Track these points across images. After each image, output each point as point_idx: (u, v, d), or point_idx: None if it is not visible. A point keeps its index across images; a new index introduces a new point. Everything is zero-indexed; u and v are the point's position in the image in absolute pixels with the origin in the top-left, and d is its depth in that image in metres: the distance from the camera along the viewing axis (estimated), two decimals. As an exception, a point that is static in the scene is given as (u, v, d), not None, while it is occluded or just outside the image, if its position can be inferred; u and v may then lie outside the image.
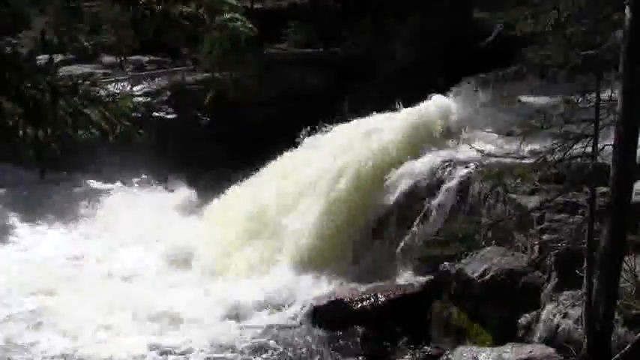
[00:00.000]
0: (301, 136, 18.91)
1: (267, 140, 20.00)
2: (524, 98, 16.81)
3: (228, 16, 4.72)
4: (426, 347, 12.53)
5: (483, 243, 13.17)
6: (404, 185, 15.55)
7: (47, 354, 12.87)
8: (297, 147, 18.63)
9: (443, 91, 18.22)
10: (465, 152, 15.66)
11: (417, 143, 16.44)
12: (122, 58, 28.66)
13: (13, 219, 20.32)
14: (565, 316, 10.26)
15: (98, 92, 4.76)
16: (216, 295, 15.09)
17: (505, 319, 11.32)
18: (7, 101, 4.62)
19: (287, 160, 18.61)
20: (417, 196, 15.32)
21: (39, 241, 19.10)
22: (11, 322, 14.12)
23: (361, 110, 18.09)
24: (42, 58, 4.82)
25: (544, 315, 10.67)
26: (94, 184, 22.77)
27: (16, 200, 21.19)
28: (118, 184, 22.69)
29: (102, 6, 28.06)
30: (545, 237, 11.62)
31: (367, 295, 13.70)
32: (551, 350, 9.98)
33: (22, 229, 19.84)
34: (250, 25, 5.19)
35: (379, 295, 13.62)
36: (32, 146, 4.74)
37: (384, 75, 22.51)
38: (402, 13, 23.98)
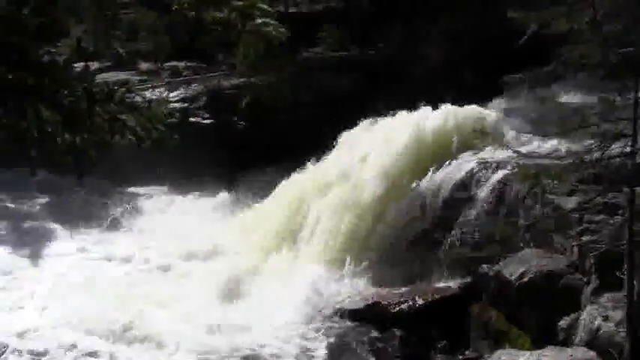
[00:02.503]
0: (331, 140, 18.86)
1: (302, 143, 20.02)
2: (560, 98, 16.68)
3: (260, 20, 4.72)
4: (464, 351, 12.50)
5: (522, 245, 13.09)
6: (441, 187, 15.47)
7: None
8: (330, 150, 18.58)
9: (476, 91, 18.12)
10: (501, 153, 15.56)
11: (453, 145, 16.35)
12: (159, 65, 28.84)
13: (54, 225, 20.53)
14: (606, 318, 10.15)
15: (133, 98, 4.79)
16: (243, 300, 15.21)
17: (544, 322, 11.23)
18: (45, 109, 4.66)
19: (322, 162, 18.61)
20: (454, 198, 15.24)
21: (82, 247, 19.22)
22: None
23: (394, 112, 18.01)
24: (78, 66, 4.89)
25: (584, 318, 10.56)
26: (132, 189, 22.96)
27: (56, 207, 21.44)
28: (156, 189, 22.86)
29: (138, 13, 28.33)
30: (584, 238, 11.52)
31: (405, 298, 13.67)
32: (592, 354, 9.88)
33: (63, 236, 20.03)
34: (282, 30, 5.20)
35: (417, 298, 13.58)
36: (70, 152, 4.78)
37: (416, 76, 22.44)
38: (434, 14, 23.91)
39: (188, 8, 4.55)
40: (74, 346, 13.16)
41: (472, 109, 17.28)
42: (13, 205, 21.96)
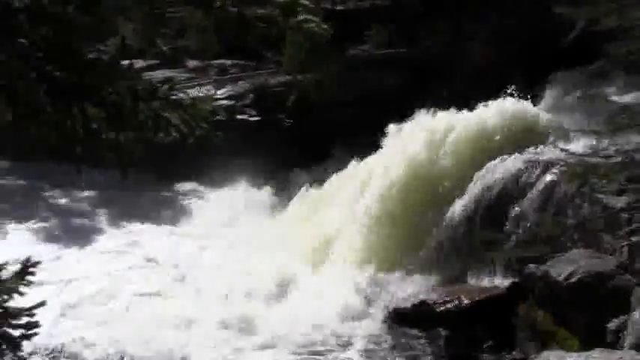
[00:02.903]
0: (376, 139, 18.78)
1: (348, 141, 20.03)
2: (609, 96, 16.48)
3: (302, 17, 4.71)
4: (510, 351, 12.38)
5: (570, 245, 12.95)
6: (489, 185, 15.36)
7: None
8: (377, 148, 18.53)
9: (523, 90, 17.93)
10: (549, 152, 15.41)
11: (502, 143, 16.21)
12: (207, 63, 28.99)
13: (100, 221, 20.84)
14: (656, 320, 10.00)
15: (177, 96, 4.82)
16: (294, 296, 15.25)
17: (593, 324, 11.07)
18: (90, 106, 4.71)
19: (369, 160, 18.59)
20: (501, 197, 15.10)
21: (128, 243, 19.43)
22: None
23: (440, 110, 17.91)
24: (125, 64, 4.93)
25: (634, 320, 10.40)
26: (177, 186, 23.17)
27: (101, 202, 21.77)
28: (201, 186, 23.03)
29: (186, 11, 28.49)
30: (634, 238, 11.37)
31: (451, 298, 13.57)
32: (641, 357, 9.72)
33: (110, 231, 20.31)
34: (325, 27, 5.16)
35: (463, 298, 13.47)
36: (114, 149, 4.83)
37: (462, 75, 22.28)
38: (481, 11, 23.70)
39: (231, 4, 4.55)
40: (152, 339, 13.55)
41: (521, 107, 17.12)
42: (61, 201, 22.35)
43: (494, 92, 17.59)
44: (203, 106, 4.96)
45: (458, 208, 15.42)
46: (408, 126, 18.02)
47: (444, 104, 17.93)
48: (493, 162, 15.58)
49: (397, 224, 16.00)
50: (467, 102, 17.53)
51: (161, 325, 14.01)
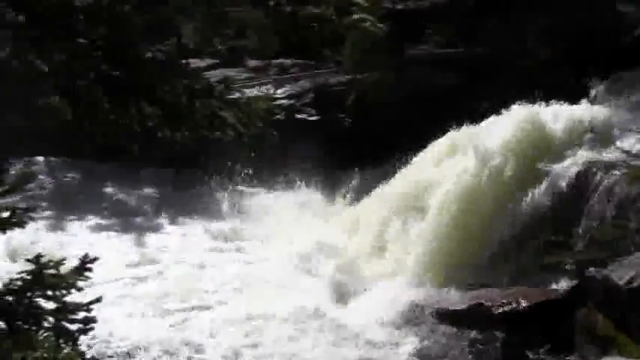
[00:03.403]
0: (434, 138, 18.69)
1: (406, 141, 19.94)
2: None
3: (356, 16, 4.71)
4: (568, 355, 12.21)
5: (632, 248, 12.72)
6: (548, 187, 15.17)
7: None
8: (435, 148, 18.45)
9: (579, 90, 17.67)
10: (610, 153, 15.18)
11: (558, 144, 16.00)
12: (266, 62, 29.12)
13: (158, 218, 21.10)
14: None
15: (233, 94, 4.84)
16: (353, 302, 15.23)
17: (654, 330, 10.89)
18: (147, 105, 4.77)
19: (424, 159, 18.50)
20: (562, 200, 14.93)
21: (185, 240, 19.63)
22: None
23: (493, 109, 17.75)
24: (181, 63, 4.98)
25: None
26: (235, 185, 23.29)
27: (158, 200, 22.04)
28: (258, 185, 23.12)
29: (246, 11, 28.66)
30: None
31: (509, 300, 13.41)
32: None
33: (167, 228, 20.56)
34: (380, 25, 5.11)
35: (521, 300, 13.31)
36: (171, 148, 4.89)
37: (516, 74, 21.98)
38: (535, 8, 23.37)
39: (285, 4, 4.57)
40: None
41: (579, 108, 16.88)
42: (118, 198, 22.67)
43: (548, 91, 17.36)
44: (259, 105, 4.98)
45: (520, 210, 15.26)
46: (465, 130, 17.96)
47: (498, 103, 17.76)
48: (554, 165, 15.39)
49: (458, 225, 15.87)
50: (520, 101, 17.34)
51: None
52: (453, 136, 18.21)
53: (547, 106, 16.93)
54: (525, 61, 22.63)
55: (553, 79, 19.21)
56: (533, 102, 17.11)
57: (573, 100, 17.29)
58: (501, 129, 16.82)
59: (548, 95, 17.27)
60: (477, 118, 18.23)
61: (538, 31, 23.16)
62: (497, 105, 17.71)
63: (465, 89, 22.56)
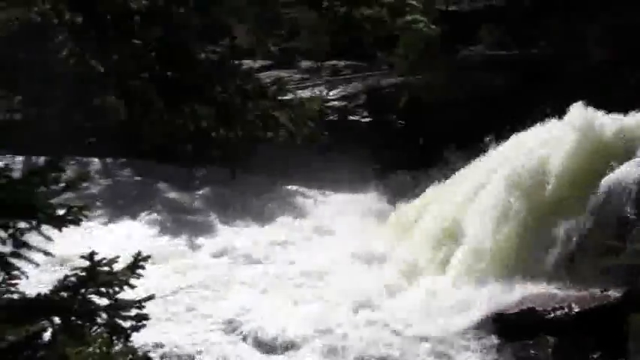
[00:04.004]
0: (487, 141, 18.52)
1: (459, 142, 19.83)
2: None
3: (410, 17, 4.70)
4: (622, 362, 12.04)
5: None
6: (605, 192, 14.95)
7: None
8: (486, 151, 18.31)
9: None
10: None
11: (617, 148, 15.76)
12: (319, 63, 29.18)
13: (211, 218, 21.27)
14: None
15: (286, 95, 4.87)
16: (400, 298, 15.21)
17: None
18: (200, 105, 4.82)
19: (481, 161, 18.38)
20: (619, 204, 14.69)
21: (237, 241, 19.74)
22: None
23: (551, 112, 17.51)
24: (235, 64, 5.00)
25: None
26: (287, 186, 23.37)
27: (212, 200, 22.20)
28: (310, 186, 23.18)
29: (299, 12, 28.68)
30: None
31: (560, 305, 13.27)
32: None
33: (219, 228, 20.72)
34: (434, 27, 5.11)
35: (573, 305, 13.16)
36: (224, 148, 4.93)
37: (574, 76, 21.64)
38: (594, 9, 23.01)
39: (339, 5, 4.58)
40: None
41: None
42: (173, 198, 22.89)
43: (608, 94, 17.09)
44: (311, 106, 4.99)
45: (576, 215, 15.06)
46: (526, 133, 17.78)
47: (554, 106, 17.53)
48: (614, 170, 15.17)
49: (514, 228, 15.73)
50: (579, 104, 17.09)
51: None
52: (515, 138, 18.02)
53: (607, 109, 16.66)
54: (584, 62, 22.28)
55: (613, 81, 18.89)
56: (593, 105, 16.84)
57: (633, 102, 16.97)
58: (561, 133, 16.61)
59: (607, 97, 17.00)
60: (534, 121, 18.01)
61: (598, 32, 22.81)
62: (555, 108, 17.47)
63: (520, 92, 22.31)
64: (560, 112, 17.22)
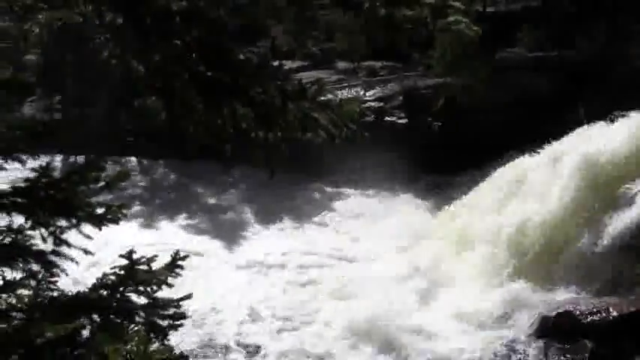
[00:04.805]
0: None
1: (497, 146, 19.66)
2: None
3: (452, 18, 4.66)
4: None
5: None
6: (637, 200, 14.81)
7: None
8: (526, 154, 18.16)
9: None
10: None
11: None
12: (356, 64, 29.17)
13: (247, 218, 21.35)
14: None
15: (325, 96, 4.86)
16: (440, 304, 15.15)
17: None
18: (240, 106, 4.82)
19: (519, 165, 18.25)
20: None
21: (277, 241, 19.81)
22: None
23: (596, 116, 17.29)
24: (274, 64, 5.00)
25: None
26: (325, 187, 23.39)
27: (249, 200, 22.28)
28: (348, 187, 23.18)
29: (336, 13, 28.68)
30: None
31: (598, 309, 13.14)
32: None
33: (256, 228, 20.79)
34: (475, 28, 5.06)
35: (611, 310, 13.02)
36: (263, 148, 4.93)
37: (621, 79, 21.31)
38: (640, 12, 22.70)
39: (380, 6, 4.56)
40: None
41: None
42: (209, 198, 23.02)
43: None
44: (350, 107, 4.98)
45: (618, 219, 14.91)
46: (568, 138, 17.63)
47: (600, 109, 17.33)
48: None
49: (549, 233, 15.61)
50: (625, 107, 16.89)
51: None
52: (554, 145, 17.87)
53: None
54: (630, 64, 21.93)
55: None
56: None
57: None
58: (609, 137, 16.45)
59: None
60: (577, 125, 17.82)
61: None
62: (599, 112, 17.26)
63: (562, 95, 22.04)
64: (605, 117, 17.05)
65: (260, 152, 5.00)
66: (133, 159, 25.36)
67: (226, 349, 13.69)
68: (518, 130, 19.58)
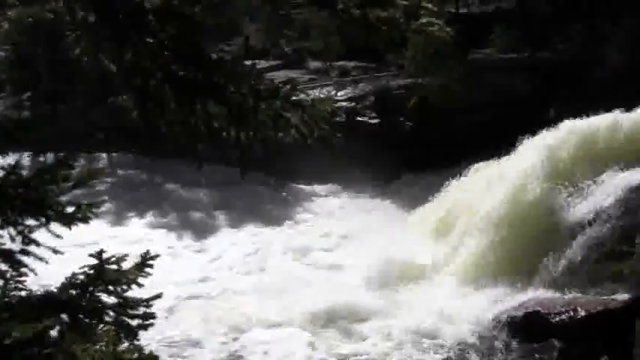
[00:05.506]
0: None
1: (471, 146, 19.77)
2: None
3: (424, 20, 4.67)
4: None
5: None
6: (605, 197, 14.95)
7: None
8: (501, 155, 18.29)
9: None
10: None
11: (623, 153, 15.74)
12: (328, 64, 29.21)
13: (218, 216, 21.31)
14: None
15: (298, 96, 4.85)
16: (410, 299, 15.21)
17: None
18: (213, 105, 4.80)
19: (492, 166, 18.38)
20: (627, 210, 14.66)
21: (243, 238, 19.76)
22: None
23: (570, 117, 17.43)
24: (248, 64, 4.99)
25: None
26: (295, 185, 23.39)
27: (220, 199, 22.24)
28: (319, 186, 23.19)
29: (310, 13, 28.66)
30: None
31: (566, 308, 13.23)
32: None
33: (225, 226, 20.75)
34: (447, 29, 5.06)
35: (579, 309, 13.11)
36: (235, 148, 4.90)
37: (595, 80, 21.47)
38: (617, 15, 22.85)
39: (354, 7, 4.56)
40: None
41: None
42: (182, 195, 22.96)
43: (628, 99, 16.99)
44: (323, 107, 4.97)
45: (583, 219, 15.05)
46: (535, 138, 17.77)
47: (574, 109, 17.46)
48: (620, 174, 15.16)
49: (518, 232, 15.72)
50: (599, 108, 17.03)
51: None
52: (519, 144, 18.00)
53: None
54: (606, 66, 22.09)
55: (634, 86, 18.73)
56: (614, 107, 16.82)
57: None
58: (564, 138, 16.64)
59: (629, 103, 16.94)
60: (547, 124, 17.95)
61: (622, 37, 22.60)
62: (575, 110, 17.40)
63: (537, 95, 22.18)
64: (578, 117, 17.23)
65: (232, 151, 4.97)
66: (104, 155, 25.24)
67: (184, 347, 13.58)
68: (493, 129, 19.69)
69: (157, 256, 6.33)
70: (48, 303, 5.69)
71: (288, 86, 4.79)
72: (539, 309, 13.52)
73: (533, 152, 17.03)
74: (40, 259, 5.77)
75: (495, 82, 23.90)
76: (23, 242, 5.58)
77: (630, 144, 16.01)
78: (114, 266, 6.13)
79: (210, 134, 4.93)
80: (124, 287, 6.13)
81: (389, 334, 13.91)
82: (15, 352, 5.13)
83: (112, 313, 6.02)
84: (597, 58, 22.54)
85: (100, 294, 6.06)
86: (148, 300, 6.22)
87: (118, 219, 20.65)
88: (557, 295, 14.07)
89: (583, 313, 13.02)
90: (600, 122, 16.63)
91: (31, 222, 5.51)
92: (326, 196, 22.78)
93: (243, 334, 14.07)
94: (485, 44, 26.29)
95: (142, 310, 6.16)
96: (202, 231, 20.06)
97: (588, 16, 23.70)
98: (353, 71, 28.53)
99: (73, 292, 5.89)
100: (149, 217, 20.96)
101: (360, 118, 24.88)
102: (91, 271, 6.02)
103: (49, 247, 5.73)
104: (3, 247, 5.61)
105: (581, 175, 15.73)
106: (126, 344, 6.01)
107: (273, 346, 13.52)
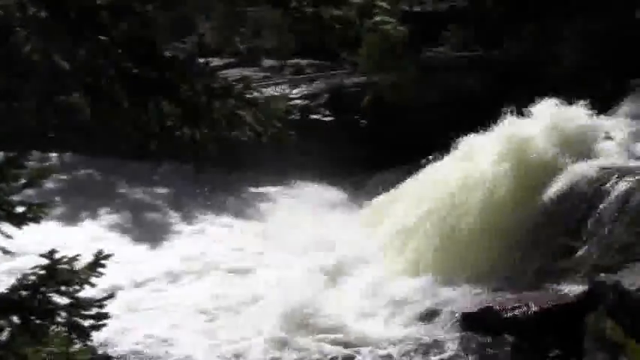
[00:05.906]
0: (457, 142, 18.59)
1: (425, 144, 19.92)
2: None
3: (378, 18, 4.71)
4: (579, 361, 12.14)
5: (644, 255, 12.65)
6: (559, 193, 15.13)
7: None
8: (451, 152, 18.43)
9: (611, 96, 17.53)
10: (626, 160, 15.10)
11: (575, 149, 15.96)
12: (282, 62, 29.18)
13: (173, 217, 21.16)
14: None
15: (252, 94, 4.85)
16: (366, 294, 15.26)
17: (665, 337, 10.81)
18: (166, 103, 4.79)
19: (442, 163, 18.51)
20: (573, 205, 14.86)
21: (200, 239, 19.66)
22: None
23: (522, 116, 17.65)
24: (201, 62, 4.94)
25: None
26: (251, 184, 23.34)
27: (175, 199, 22.12)
28: (275, 184, 23.17)
29: (264, 10, 28.72)
30: None
31: (519, 304, 13.33)
32: None
33: (181, 227, 20.62)
34: (401, 28, 5.10)
35: (531, 305, 13.22)
36: (190, 146, 4.90)
37: (548, 79, 21.70)
38: (569, 13, 23.12)
39: (307, 5, 4.58)
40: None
41: (573, 113, 16.86)
42: (135, 196, 22.78)
43: (580, 97, 17.24)
44: (277, 105, 4.99)
45: (532, 215, 15.24)
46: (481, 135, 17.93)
47: (526, 109, 17.67)
48: (569, 169, 15.37)
49: (468, 228, 15.86)
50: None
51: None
52: (469, 141, 18.13)
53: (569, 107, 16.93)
54: (557, 66, 22.36)
55: (587, 85, 19.03)
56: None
57: (605, 106, 17.17)
58: (516, 133, 16.83)
59: (579, 101, 17.20)
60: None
61: (573, 36, 22.87)
62: (527, 110, 17.63)
63: (491, 94, 22.35)
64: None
65: (187, 150, 4.96)
66: (54, 154, 24.94)
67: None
68: (446, 128, 19.80)
69: (110, 255, 6.30)
70: (-2, 304, 5.62)
71: (241, 84, 4.80)
72: (492, 305, 13.62)
73: (483, 149, 17.19)
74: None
75: (449, 81, 24.09)
76: (-29, 243, 5.51)
77: (582, 140, 16.25)
78: (66, 266, 6.07)
79: (164, 133, 4.91)
80: (77, 287, 6.08)
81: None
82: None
83: (63, 314, 5.97)
84: (550, 57, 22.79)
85: (51, 295, 6.01)
86: (100, 300, 6.18)
87: (71, 219, 20.36)
88: (510, 291, 14.21)
89: (535, 309, 13.13)
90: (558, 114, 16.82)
91: (-22, 222, 5.45)
92: (281, 194, 22.75)
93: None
94: (439, 43, 26.46)
95: (94, 310, 6.11)
96: (155, 231, 19.88)
97: (540, 15, 23.94)
98: (307, 69, 28.53)
99: (24, 292, 5.82)
100: (102, 217, 20.72)
101: (314, 116, 24.90)
102: (43, 272, 5.96)
103: (-1, 248, 5.66)
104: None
105: (532, 173, 15.88)
106: (78, 345, 5.96)
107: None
